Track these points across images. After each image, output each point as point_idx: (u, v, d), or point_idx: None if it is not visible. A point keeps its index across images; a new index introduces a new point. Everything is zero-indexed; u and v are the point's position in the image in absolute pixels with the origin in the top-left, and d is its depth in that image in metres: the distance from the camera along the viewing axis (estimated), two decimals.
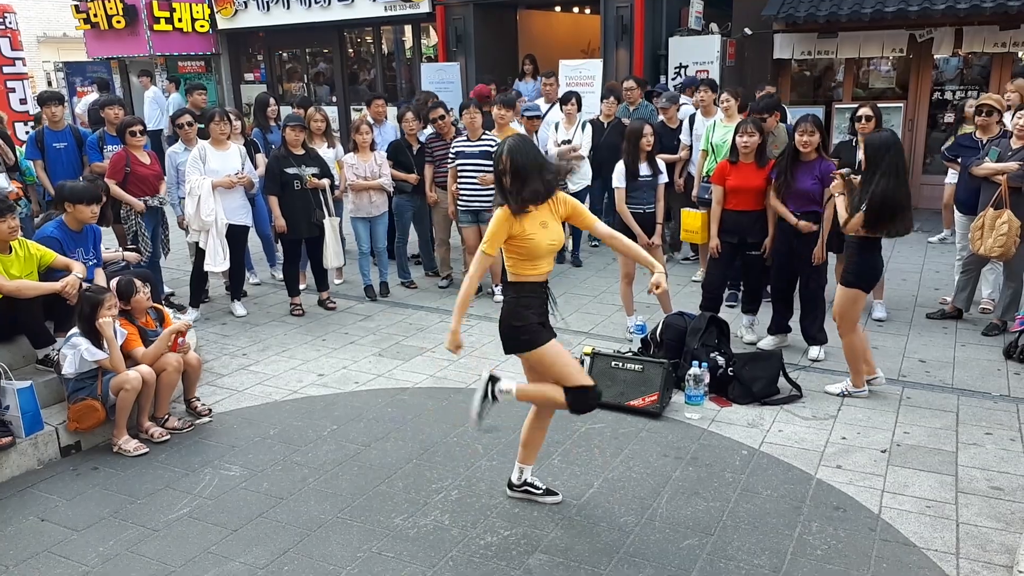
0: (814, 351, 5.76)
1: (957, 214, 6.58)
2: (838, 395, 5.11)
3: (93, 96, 12.45)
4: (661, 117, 8.04)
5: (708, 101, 7.56)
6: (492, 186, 6.92)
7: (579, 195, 8.05)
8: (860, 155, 6.00)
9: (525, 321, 3.58)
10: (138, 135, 6.63)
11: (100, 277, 5.29)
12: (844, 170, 5.09)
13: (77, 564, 3.57)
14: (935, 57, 10.31)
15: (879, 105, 6.77)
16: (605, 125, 8.37)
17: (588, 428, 4.77)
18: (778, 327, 5.96)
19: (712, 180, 5.98)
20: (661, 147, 7.23)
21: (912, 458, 4.34)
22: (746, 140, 5.66)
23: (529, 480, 4.00)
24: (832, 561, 3.45)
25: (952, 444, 4.48)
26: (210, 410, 5.09)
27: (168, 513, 3.96)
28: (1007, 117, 6.58)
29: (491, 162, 6.94)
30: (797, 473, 4.21)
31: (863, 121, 6.11)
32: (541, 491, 3.99)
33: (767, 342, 5.95)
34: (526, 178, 3.48)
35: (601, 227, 3.76)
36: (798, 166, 5.52)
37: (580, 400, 3.59)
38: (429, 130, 7.76)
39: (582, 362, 5.37)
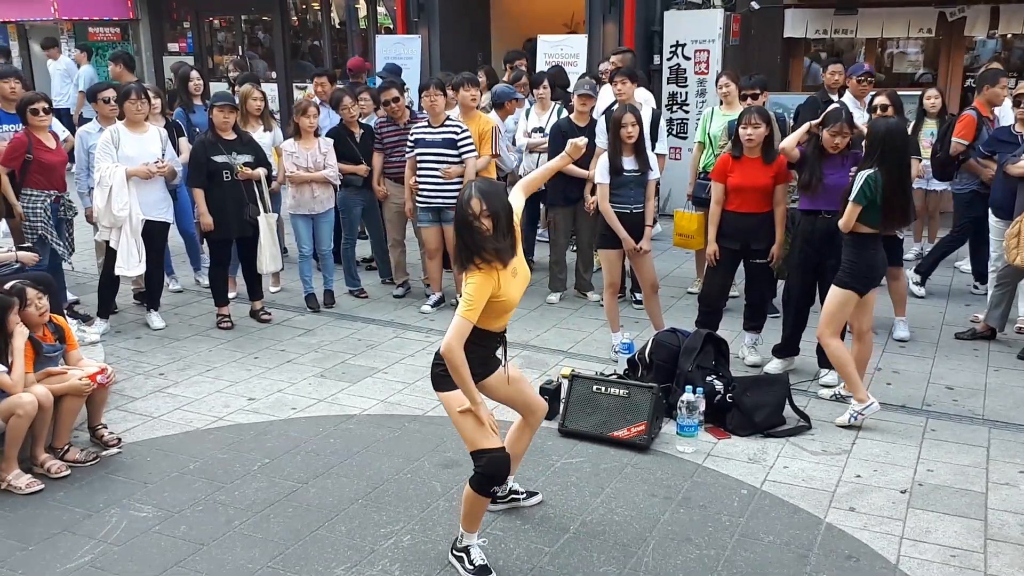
0: (830, 376, 5.81)
1: (993, 219, 6.72)
2: (848, 424, 5.19)
3: None
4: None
5: (629, 93, 7.21)
6: (457, 179, 7.00)
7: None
8: None
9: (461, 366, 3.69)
10: (42, 114, 6.56)
11: None
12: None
13: None
14: (969, 38, 10.51)
15: (904, 93, 6.93)
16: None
17: (564, 463, 4.79)
18: (788, 348, 6.01)
19: (712, 176, 6.04)
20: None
21: (936, 500, 4.41)
22: (751, 132, 5.73)
23: (512, 487, 4.34)
24: None
25: (982, 484, 4.55)
26: (119, 440, 5.03)
27: (66, 562, 3.91)
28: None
29: (456, 152, 6.99)
30: (804, 516, 4.26)
31: (879, 110, 6.24)
32: (523, 495, 4.37)
33: (774, 366, 6.01)
34: (505, 223, 3.59)
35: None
36: (825, 159, 5.59)
37: (493, 465, 3.65)
38: (381, 112, 7.76)
39: (559, 386, 5.40)
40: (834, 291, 5.16)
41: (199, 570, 3.84)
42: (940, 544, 4.02)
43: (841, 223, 5.10)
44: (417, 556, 3.93)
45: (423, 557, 3.92)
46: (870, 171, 4.96)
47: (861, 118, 6.93)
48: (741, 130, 5.77)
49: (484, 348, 3.78)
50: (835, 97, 7.95)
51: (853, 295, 5.12)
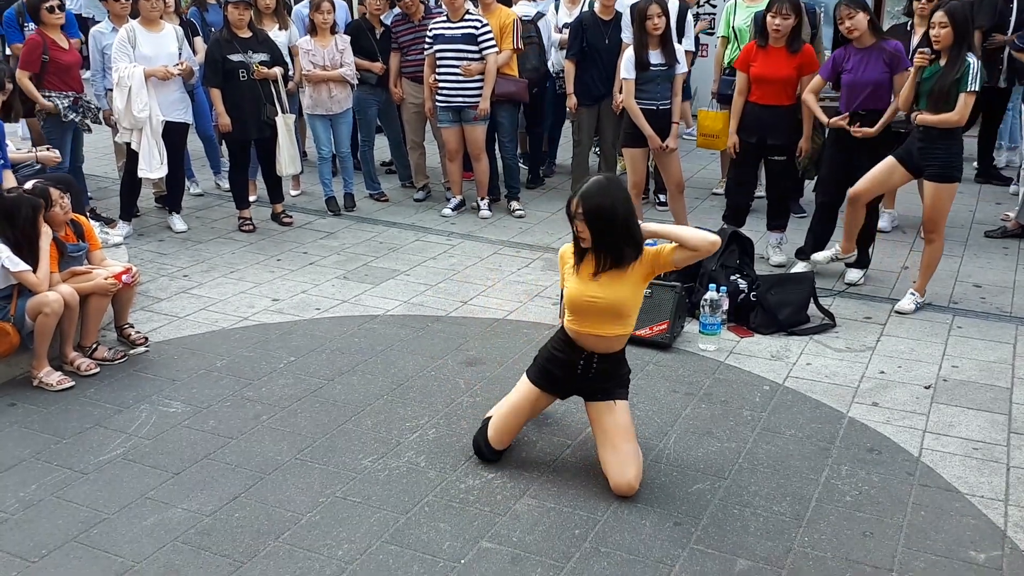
0: (854, 274, 5.79)
1: None
2: (914, 311, 5.31)
3: None
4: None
5: None
6: (478, 77, 6.88)
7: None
8: (915, 40, 5.96)
9: (543, 354, 3.85)
10: (56, 11, 6.48)
11: (10, 180, 5.24)
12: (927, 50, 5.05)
13: None
14: None
15: None
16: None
17: None
18: (815, 249, 5.94)
19: (736, 65, 5.94)
20: (595, 54, 7.03)
21: (960, 395, 4.42)
22: (779, 23, 5.58)
23: None
24: (863, 508, 3.55)
25: (1007, 380, 4.56)
26: (146, 339, 5.11)
27: (99, 454, 4.01)
28: None
29: (476, 48, 6.85)
30: (826, 411, 4.29)
31: (925, 1, 5.98)
32: None
33: (798, 268, 5.96)
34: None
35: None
36: (851, 53, 5.45)
37: (479, 432, 3.92)
38: (396, 11, 7.59)
39: None
40: (943, 188, 5.13)
41: (228, 462, 3.94)
42: (963, 437, 4.04)
43: (957, 116, 4.98)
44: (442, 448, 4.01)
45: (448, 449, 3.99)
46: (974, 59, 4.92)
47: None
48: (770, 19, 5.62)
49: (563, 354, 3.77)
50: None
51: (956, 185, 5.17)
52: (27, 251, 4.56)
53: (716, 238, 3.57)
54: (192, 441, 4.11)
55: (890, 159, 5.30)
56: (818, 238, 5.92)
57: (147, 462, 3.95)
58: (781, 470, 3.81)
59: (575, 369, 3.72)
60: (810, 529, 3.43)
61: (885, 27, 8.29)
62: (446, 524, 3.49)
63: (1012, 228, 6.54)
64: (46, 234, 4.62)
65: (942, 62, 4.98)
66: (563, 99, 7.74)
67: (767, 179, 6.11)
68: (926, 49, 5.01)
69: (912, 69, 5.10)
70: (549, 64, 7.81)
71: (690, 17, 7.09)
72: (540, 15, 7.75)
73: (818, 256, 5.52)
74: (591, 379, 3.74)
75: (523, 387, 3.83)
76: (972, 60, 4.94)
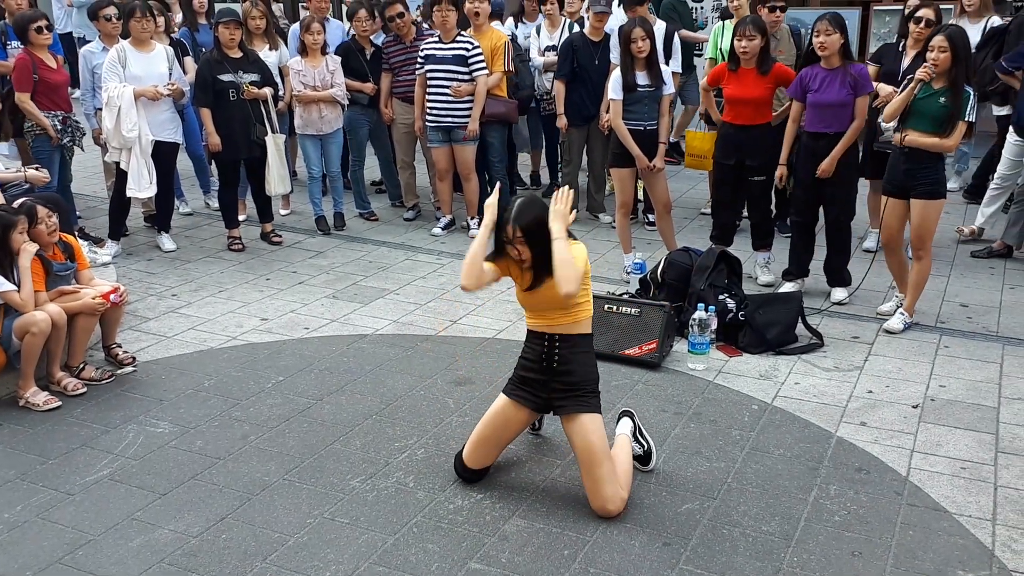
0: (839, 293, 5.83)
1: (1012, 136, 6.60)
2: (903, 330, 5.33)
3: None
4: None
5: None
6: (468, 98, 6.91)
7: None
8: (906, 62, 6.00)
9: (516, 365, 3.88)
10: (44, 32, 6.49)
11: None
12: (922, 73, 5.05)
13: None
14: None
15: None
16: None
17: None
18: (798, 269, 5.98)
19: (708, 81, 6.09)
20: (585, 75, 7.08)
21: (947, 414, 4.43)
22: (745, 45, 5.66)
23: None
24: (852, 528, 3.55)
25: (994, 399, 4.57)
26: (134, 358, 5.09)
27: (85, 475, 3.99)
28: None
29: (466, 69, 6.89)
30: (815, 431, 4.30)
31: (923, 24, 5.96)
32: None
33: (786, 288, 5.98)
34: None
35: None
36: (818, 73, 5.51)
37: (456, 461, 3.92)
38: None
39: None
40: (931, 206, 5.17)
41: (216, 482, 3.91)
42: (951, 457, 4.05)
43: (952, 143, 5.07)
44: (431, 468, 3.99)
45: (437, 469, 3.98)
46: (970, 89, 5.00)
47: None
48: (736, 42, 5.70)
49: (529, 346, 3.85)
50: None
51: (944, 202, 5.25)
52: (8, 269, 4.54)
53: (569, 289, 3.48)
54: (179, 461, 4.09)
55: (884, 199, 5.37)
56: (801, 259, 5.96)
57: (134, 483, 3.93)
58: (770, 490, 3.81)
59: (542, 361, 3.73)
60: (799, 549, 3.43)
61: (872, 48, 8.40)
62: (434, 545, 3.47)
63: (998, 248, 6.58)
64: (27, 252, 4.59)
65: (935, 85, 5.03)
66: (549, 120, 7.80)
67: (748, 201, 6.14)
68: (929, 65, 5.03)
69: (912, 84, 5.08)
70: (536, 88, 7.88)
71: (677, 40, 7.15)
72: (513, 37, 7.83)
73: (883, 308, 5.57)
74: (558, 372, 3.72)
75: (497, 401, 3.84)
76: (969, 90, 5.00)
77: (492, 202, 3.74)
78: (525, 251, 3.60)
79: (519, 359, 3.86)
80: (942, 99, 4.99)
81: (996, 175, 6.88)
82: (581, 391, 3.73)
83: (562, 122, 7.33)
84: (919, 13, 6.07)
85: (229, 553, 3.43)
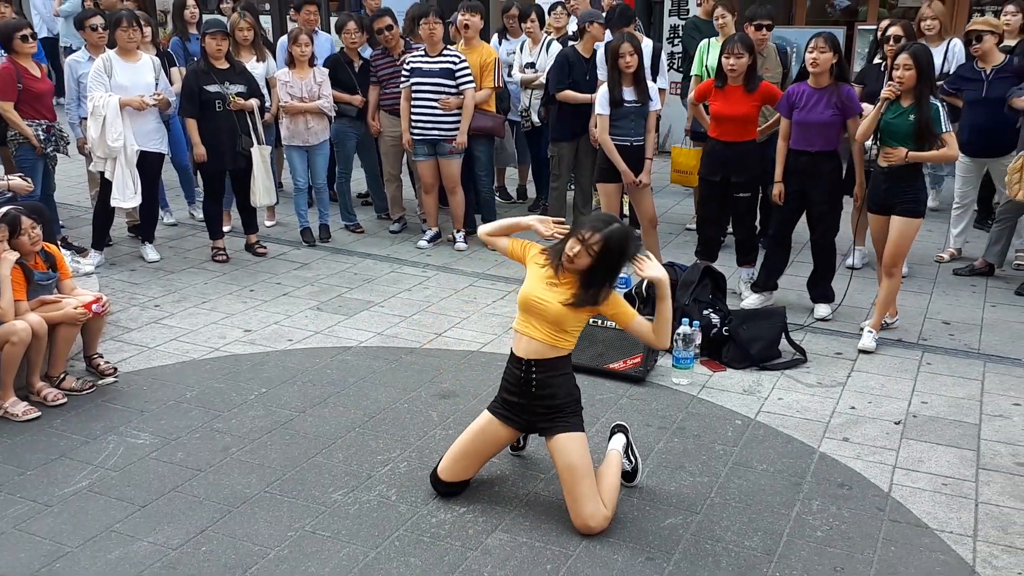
0: (822, 309, 5.85)
1: (963, 158, 6.62)
2: (877, 347, 5.34)
3: None
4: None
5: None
6: (455, 112, 6.92)
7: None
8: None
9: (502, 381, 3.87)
10: (29, 40, 6.46)
11: None
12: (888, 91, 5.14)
13: None
14: None
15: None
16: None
17: None
18: (766, 282, 6.00)
19: (695, 96, 6.09)
20: (573, 87, 7.08)
21: (929, 431, 4.45)
22: (733, 63, 5.69)
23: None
24: (834, 543, 3.55)
25: (975, 416, 4.60)
26: (115, 369, 5.05)
27: (64, 486, 3.95)
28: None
29: (453, 83, 6.90)
30: (798, 446, 4.31)
31: (892, 42, 6.08)
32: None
33: (751, 301, 5.99)
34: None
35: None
36: (806, 91, 5.55)
37: (432, 475, 3.90)
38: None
39: None
40: (909, 224, 5.21)
41: (196, 495, 3.88)
42: (932, 473, 4.07)
43: (954, 152, 5.22)
44: (414, 482, 3.97)
45: (420, 483, 3.96)
46: (936, 101, 5.08)
47: None
48: (724, 60, 5.73)
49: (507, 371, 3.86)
50: None
51: (922, 221, 5.30)
52: None
53: (664, 345, 3.77)
54: (160, 473, 4.06)
55: (868, 216, 5.47)
56: (771, 271, 5.99)
57: (113, 494, 3.89)
58: (753, 505, 3.81)
59: (520, 385, 3.71)
60: (781, 564, 3.42)
61: (856, 68, 8.47)
62: (417, 559, 3.45)
63: (979, 267, 6.62)
64: (7, 261, 4.55)
65: (904, 103, 5.09)
66: (532, 136, 7.85)
67: (733, 217, 6.16)
68: (893, 83, 5.09)
69: (879, 103, 5.17)
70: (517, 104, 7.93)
71: (664, 57, 7.19)
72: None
73: (866, 344, 5.51)
74: (535, 396, 3.70)
75: (481, 417, 3.84)
76: (936, 103, 5.07)
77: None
78: (584, 259, 3.53)
79: (502, 379, 3.84)
80: (911, 116, 5.07)
81: (955, 195, 6.94)
82: (562, 412, 3.72)
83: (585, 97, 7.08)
84: (888, 32, 6.21)
85: (209, 566, 3.40)
